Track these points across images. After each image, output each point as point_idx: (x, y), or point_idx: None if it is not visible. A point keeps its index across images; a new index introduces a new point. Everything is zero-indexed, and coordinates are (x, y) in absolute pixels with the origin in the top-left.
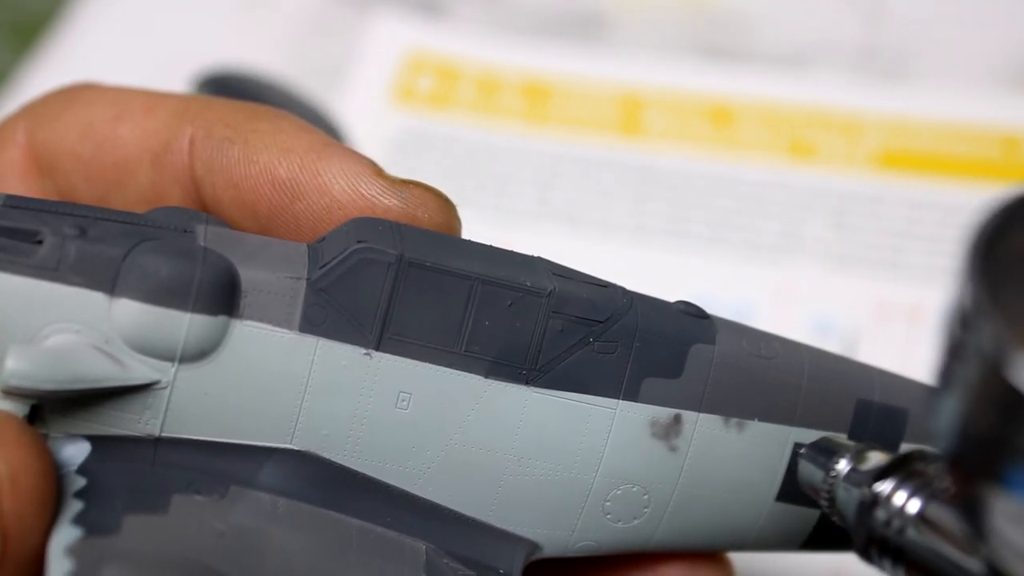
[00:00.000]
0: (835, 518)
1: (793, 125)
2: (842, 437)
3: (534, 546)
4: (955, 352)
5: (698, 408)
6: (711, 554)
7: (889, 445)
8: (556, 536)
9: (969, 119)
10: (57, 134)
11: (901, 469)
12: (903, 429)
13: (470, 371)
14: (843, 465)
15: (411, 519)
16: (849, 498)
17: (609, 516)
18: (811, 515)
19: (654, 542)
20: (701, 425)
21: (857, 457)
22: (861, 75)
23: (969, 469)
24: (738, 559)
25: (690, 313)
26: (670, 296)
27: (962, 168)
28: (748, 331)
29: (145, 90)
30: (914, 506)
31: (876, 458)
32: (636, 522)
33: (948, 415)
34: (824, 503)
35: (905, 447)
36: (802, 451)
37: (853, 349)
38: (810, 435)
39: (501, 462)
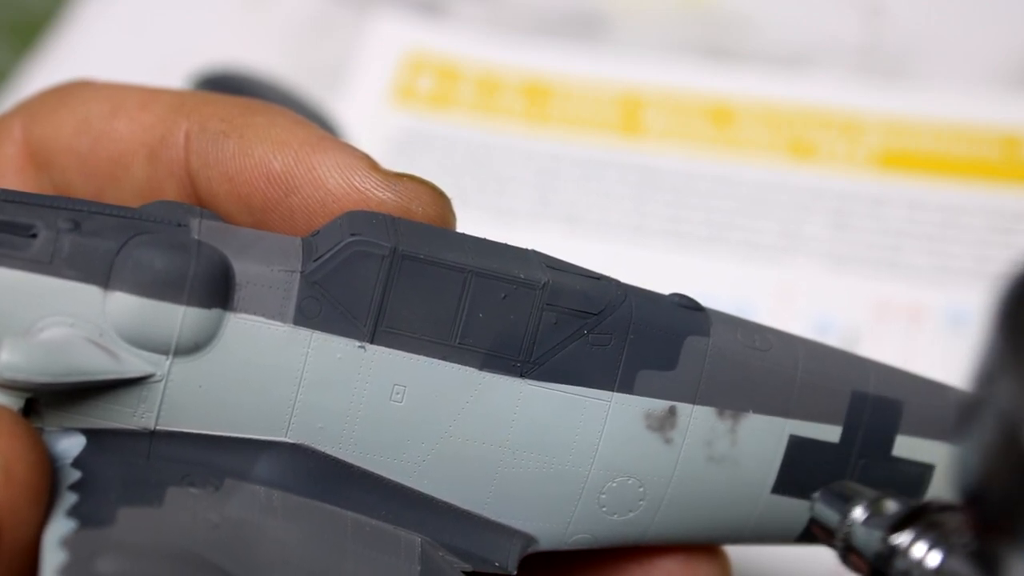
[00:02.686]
0: (849, 565)
1: (793, 125)
2: (858, 485)
3: (530, 539)
4: (977, 407)
5: (693, 400)
6: (707, 547)
7: (884, 436)
8: (552, 529)
9: (969, 119)
10: (53, 129)
11: (920, 520)
12: (898, 421)
13: (464, 363)
14: (859, 513)
15: (406, 512)
16: (867, 547)
17: (605, 509)
18: (807, 508)
19: (650, 535)
20: (696, 417)
21: (874, 505)
22: (861, 75)
23: (988, 526)
24: (734, 552)
25: (685, 305)
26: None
27: (962, 168)
28: (743, 323)
29: (141, 86)
30: (934, 559)
31: (893, 506)
32: (632, 515)
33: (968, 470)
34: (839, 548)
35: (901, 438)
36: (817, 494)
37: (853, 349)
38: (805, 427)
39: (496, 455)
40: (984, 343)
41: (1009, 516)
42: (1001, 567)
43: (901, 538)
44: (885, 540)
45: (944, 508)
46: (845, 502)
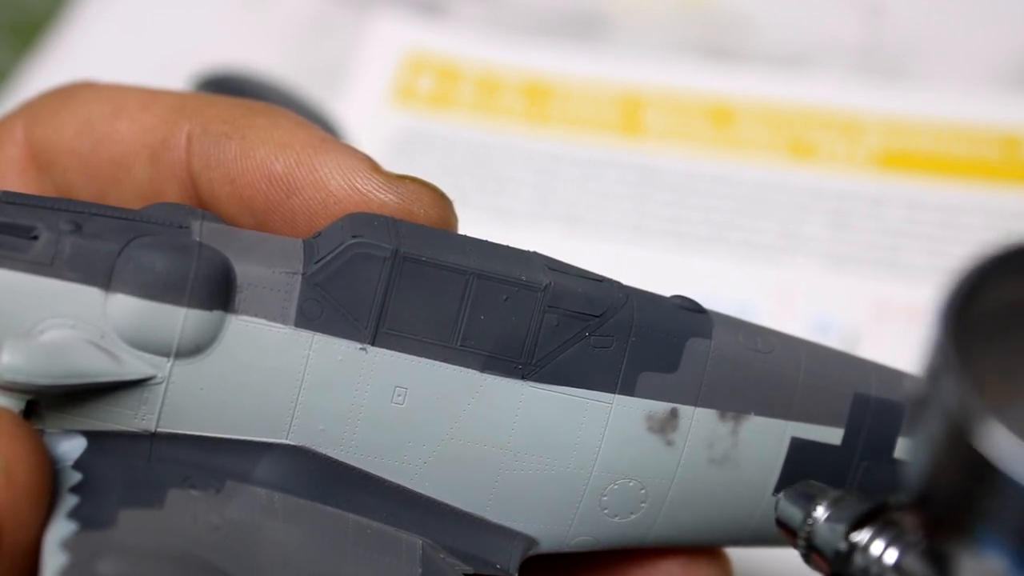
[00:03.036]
0: (811, 564)
1: (793, 125)
2: (821, 485)
3: (531, 541)
4: (924, 405)
5: (694, 402)
6: (709, 549)
7: (886, 439)
8: (553, 531)
9: (969, 119)
10: (55, 131)
11: (878, 518)
12: (900, 423)
13: (466, 366)
14: (821, 512)
15: (407, 514)
16: (828, 546)
17: (606, 511)
18: None
19: (651, 537)
20: (697, 419)
21: (835, 504)
22: (861, 75)
23: (937, 524)
24: (735, 554)
25: (686, 307)
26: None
27: (962, 168)
28: (744, 325)
29: (142, 87)
30: (891, 556)
31: (854, 505)
32: (633, 517)
33: (916, 467)
34: (801, 546)
35: (903, 441)
36: (782, 493)
37: (852, 349)
38: (807, 429)
39: (497, 457)
40: (930, 341)
41: (956, 514)
42: (951, 565)
43: (860, 536)
44: (845, 538)
45: (903, 506)
46: (808, 501)
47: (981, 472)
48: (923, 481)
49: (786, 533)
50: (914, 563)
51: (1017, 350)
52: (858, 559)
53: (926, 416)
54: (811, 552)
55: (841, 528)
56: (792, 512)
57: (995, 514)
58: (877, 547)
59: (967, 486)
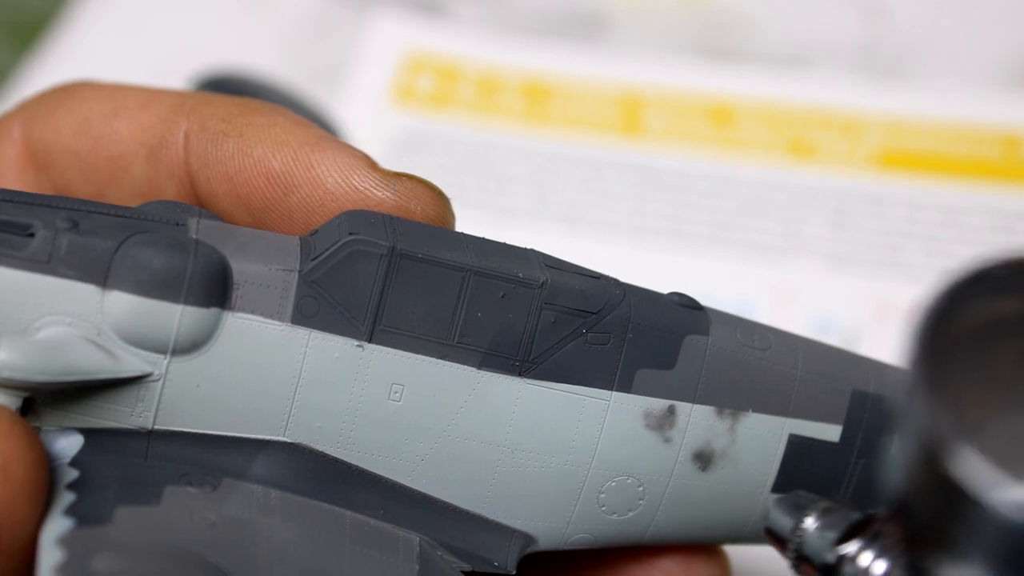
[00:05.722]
0: (800, 573)
1: (793, 125)
2: (812, 495)
3: (529, 539)
4: (901, 420)
5: (692, 399)
6: (707, 547)
7: (884, 436)
8: (551, 528)
9: (969, 119)
10: (53, 130)
11: (868, 529)
12: None
13: (463, 363)
14: (811, 522)
15: (405, 511)
16: (817, 556)
17: (604, 508)
18: None
19: (649, 534)
20: (695, 416)
21: (825, 514)
22: (861, 75)
23: (915, 537)
24: (734, 551)
25: (684, 304)
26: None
27: (962, 168)
28: (742, 322)
29: (141, 86)
30: (879, 568)
31: (844, 516)
32: (631, 514)
33: (893, 480)
34: (791, 556)
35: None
36: (773, 502)
37: (853, 348)
38: (805, 426)
39: (494, 454)
40: (907, 358)
41: (932, 530)
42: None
43: (849, 547)
44: (834, 549)
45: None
46: (798, 511)
47: (953, 494)
48: (900, 495)
49: (775, 543)
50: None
51: (997, 366)
52: (847, 570)
53: (903, 431)
54: (800, 562)
55: (830, 538)
56: (782, 522)
57: (969, 535)
58: (865, 559)
59: (941, 505)
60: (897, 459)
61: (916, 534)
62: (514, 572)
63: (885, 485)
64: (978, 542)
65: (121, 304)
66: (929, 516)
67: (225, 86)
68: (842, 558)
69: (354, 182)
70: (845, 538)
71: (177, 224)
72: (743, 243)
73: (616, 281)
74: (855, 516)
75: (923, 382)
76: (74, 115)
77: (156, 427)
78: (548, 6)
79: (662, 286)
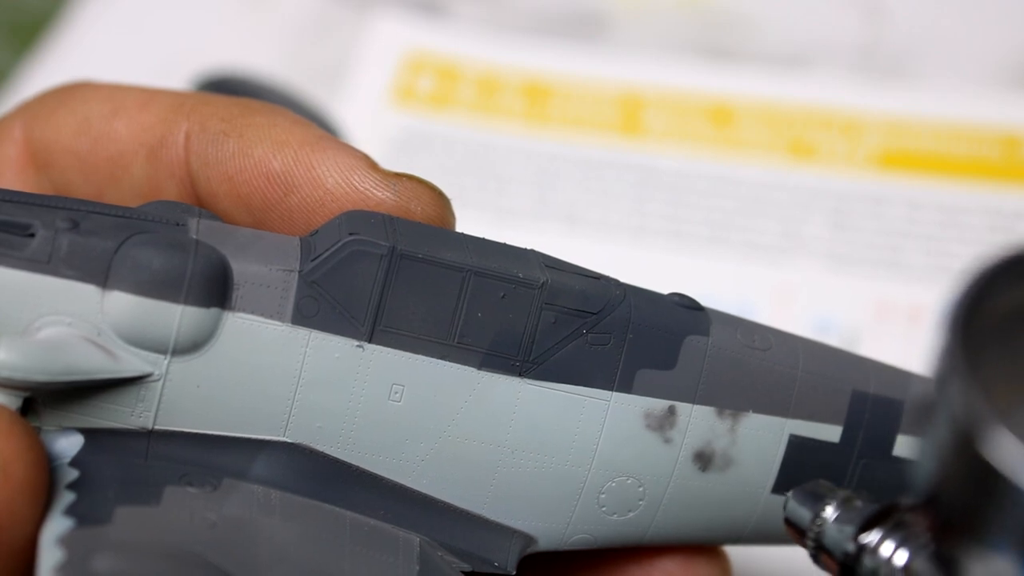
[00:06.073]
0: (820, 565)
1: (793, 125)
2: (831, 484)
3: (529, 539)
4: (932, 409)
5: (692, 400)
6: (707, 547)
7: (884, 436)
8: (551, 529)
9: (969, 119)
10: (53, 130)
11: (888, 519)
12: (899, 421)
13: (463, 363)
14: (830, 512)
15: (405, 511)
16: (837, 546)
17: (604, 509)
18: None
19: (650, 535)
20: (695, 417)
21: (845, 504)
22: (861, 75)
23: (945, 527)
24: (734, 552)
25: (684, 305)
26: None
27: (962, 168)
28: (742, 323)
29: (141, 86)
30: (901, 558)
31: (863, 506)
32: (631, 515)
33: (924, 470)
34: (810, 546)
35: (902, 438)
36: (790, 493)
37: (853, 349)
38: (806, 426)
39: (495, 454)
40: (937, 347)
41: (964, 518)
42: (959, 568)
43: (869, 537)
44: (854, 539)
45: (913, 508)
46: (817, 501)
47: (988, 479)
48: (931, 484)
49: (794, 533)
50: (924, 566)
51: None
52: (867, 560)
53: (934, 421)
54: (820, 552)
55: (850, 529)
56: (801, 512)
57: (1002, 520)
58: (887, 549)
59: (974, 492)
60: (927, 449)
61: (946, 524)
62: (514, 572)
63: (912, 475)
64: (1011, 527)
65: (121, 304)
66: (961, 504)
67: (225, 86)
68: (862, 548)
69: (354, 182)
70: (865, 528)
71: (177, 224)
72: (743, 243)
73: (616, 281)
74: (875, 506)
75: (957, 367)
76: (74, 115)
77: (156, 427)
78: (548, 6)
79: (662, 286)
